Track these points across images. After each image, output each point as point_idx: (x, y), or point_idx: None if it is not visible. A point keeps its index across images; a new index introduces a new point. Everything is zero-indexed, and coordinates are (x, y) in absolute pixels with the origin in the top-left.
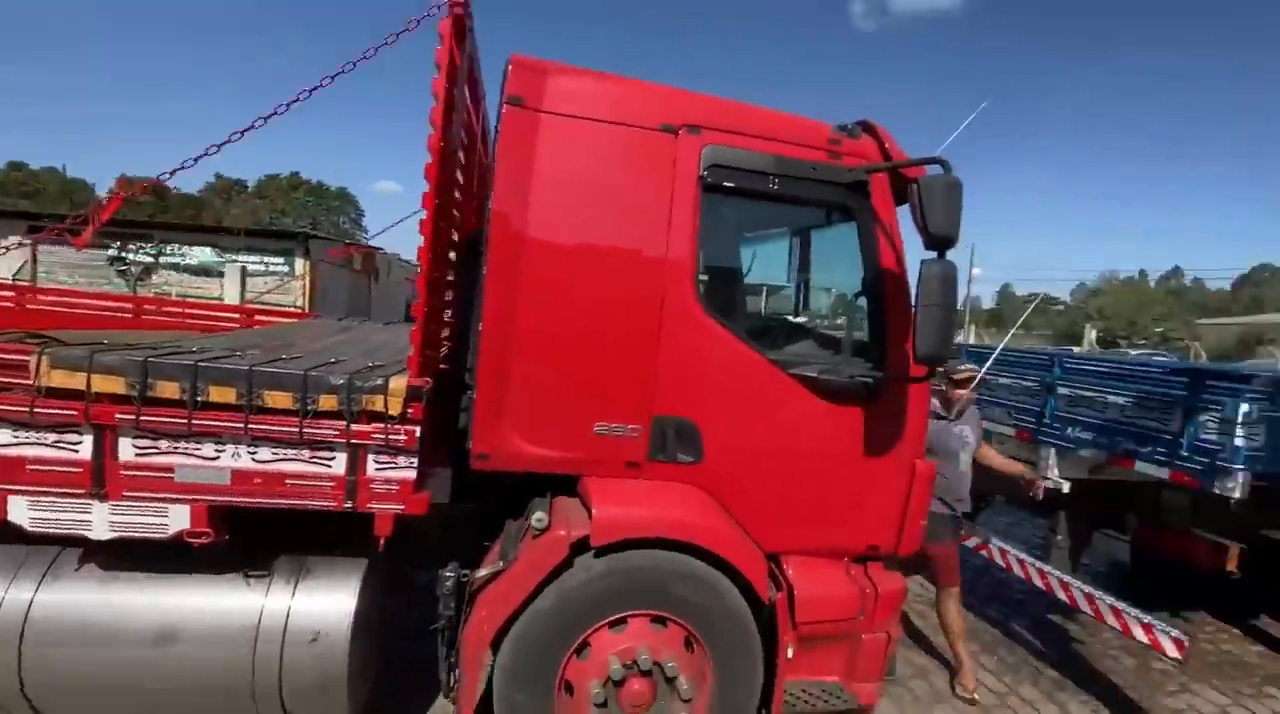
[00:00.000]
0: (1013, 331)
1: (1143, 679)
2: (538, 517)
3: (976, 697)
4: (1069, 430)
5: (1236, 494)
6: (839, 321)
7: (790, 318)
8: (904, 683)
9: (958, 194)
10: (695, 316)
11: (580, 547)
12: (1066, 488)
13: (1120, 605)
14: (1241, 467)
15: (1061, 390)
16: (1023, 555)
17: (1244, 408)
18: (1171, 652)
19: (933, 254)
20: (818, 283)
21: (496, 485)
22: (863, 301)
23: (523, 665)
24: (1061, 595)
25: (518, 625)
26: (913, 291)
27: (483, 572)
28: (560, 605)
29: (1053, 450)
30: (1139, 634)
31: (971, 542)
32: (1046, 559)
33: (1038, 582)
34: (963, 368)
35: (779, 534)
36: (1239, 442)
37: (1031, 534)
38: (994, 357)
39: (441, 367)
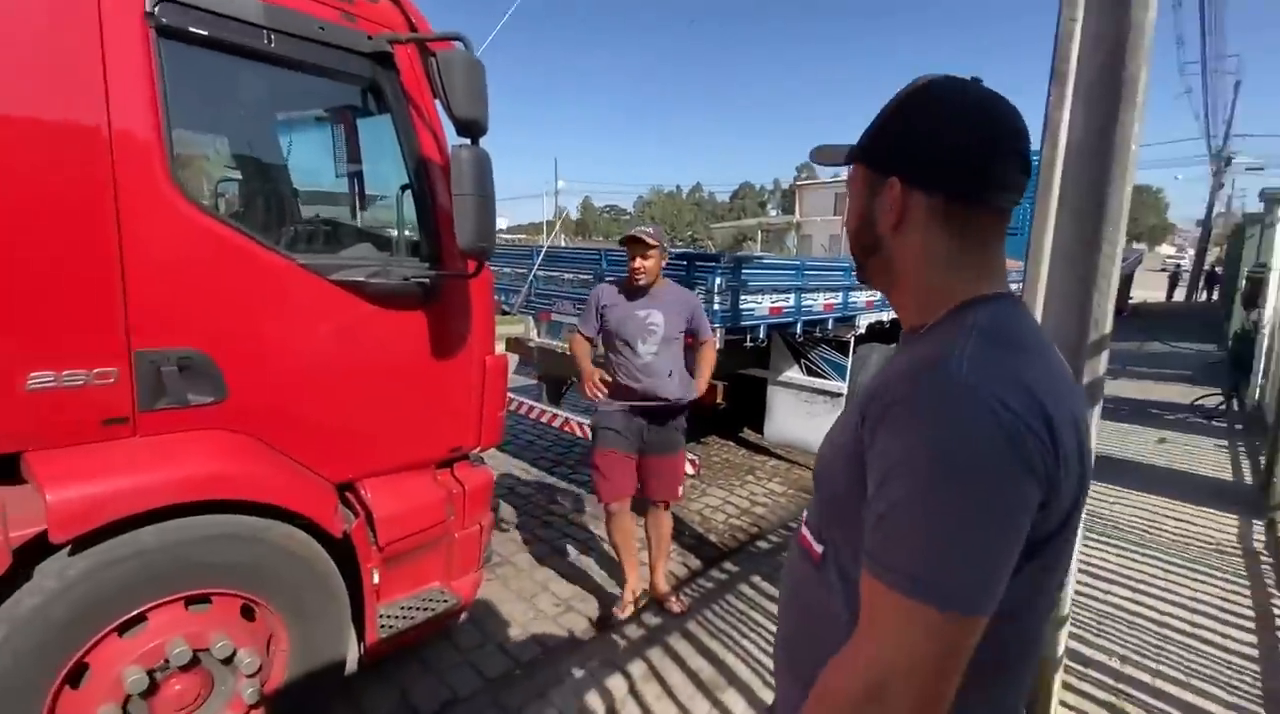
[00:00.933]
0: (556, 232)
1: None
2: None
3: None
4: None
5: (718, 345)
6: (389, 220)
7: (335, 218)
8: (509, 560)
9: (479, 74)
10: (181, 216)
11: (40, 548)
12: None
13: None
14: (718, 324)
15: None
16: (582, 419)
17: (718, 281)
18: (689, 471)
19: (465, 141)
20: (367, 175)
21: None
22: (409, 196)
23: None
24: None
25: None
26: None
27: None
28: (18, 635)
29: None
30: None
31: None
32: None
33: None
34: (634, 231)
35: (349, 460)
36: (716, 306)
37: None
38: (541, 253)
39: None
